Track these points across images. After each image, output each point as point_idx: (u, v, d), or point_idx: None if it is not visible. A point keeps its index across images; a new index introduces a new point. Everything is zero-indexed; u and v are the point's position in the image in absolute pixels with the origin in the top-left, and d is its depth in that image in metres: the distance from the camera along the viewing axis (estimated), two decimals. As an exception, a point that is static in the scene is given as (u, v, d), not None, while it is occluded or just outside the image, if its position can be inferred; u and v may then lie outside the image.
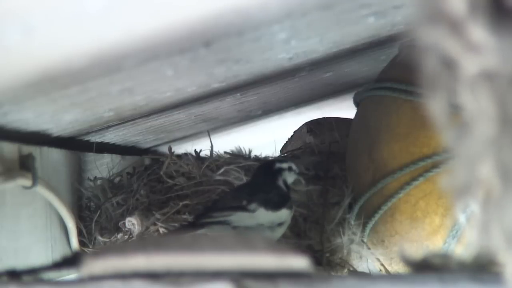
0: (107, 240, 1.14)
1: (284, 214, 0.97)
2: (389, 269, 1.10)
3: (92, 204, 1.20)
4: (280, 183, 1.02)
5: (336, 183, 1.15)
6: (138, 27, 0.56)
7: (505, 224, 0.33)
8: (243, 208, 0.95)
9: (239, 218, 0.94)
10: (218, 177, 1.16)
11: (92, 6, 0.48)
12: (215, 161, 1.18)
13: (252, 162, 1.18)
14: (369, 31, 0.91)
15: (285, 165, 1.03)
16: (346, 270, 1.10)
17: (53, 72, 0.63)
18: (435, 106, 0.34)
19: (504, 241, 0.33)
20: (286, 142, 1.39)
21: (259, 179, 1.02)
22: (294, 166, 1.04)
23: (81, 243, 1.14)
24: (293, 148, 1.32)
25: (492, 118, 0.32)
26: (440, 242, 1.00)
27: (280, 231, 0.98)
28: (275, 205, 0.97)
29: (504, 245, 0.33)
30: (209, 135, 1.24)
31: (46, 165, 1.05)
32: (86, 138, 1.11)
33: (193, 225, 0.94)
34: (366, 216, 1.07)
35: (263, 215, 0.95)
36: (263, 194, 0.97)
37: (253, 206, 0.95)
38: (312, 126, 1.32)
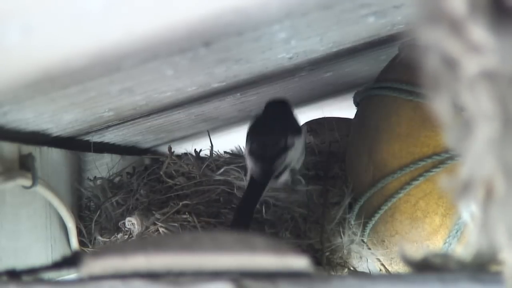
0: (107, 240, 1.14)
1: (302, 139, 1.03)
2: (389, 269, 1.10)
3: (92, 204, 1.20)
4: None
5: (336, 183, 1.15)
6: (138, 27, 0.56)
7: (508, 223, 0.33)
8: (288, 148, 0.99)
9: (290, 157, 0.98)
10: (218, 177, 1.16)
11: (92, 6, 0.48)
12: (215, 161, 1.18)
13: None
14: (369, 31, 0.91)
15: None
16: (346, 270, 1.10)
17: (52, 72, 0.63)
18: (437, 106, 0.34)
19: (507, 240, 0.33)
20: (286, 142, 1.39)
21: (280, 116, 1.06)
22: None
23: (81, 243, 1.14)
24: (293, 148, 1.32)
25: (493, 117, 0.32)
26: (440, 242, 1.00)
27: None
28: (296, 131, 1.02)
29: (507, 243, 0.33)
30: (209, 135, 1.24)
31: (46, 165, 1.05)
32: (86, 138, 1.11)
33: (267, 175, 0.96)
34: (366, 216, 1.07)
35: (297, 143, 1.00)
36: (286, 124, 1.02)
37: (290, 140, 0.99)
38: (312, 126, 1.32)
